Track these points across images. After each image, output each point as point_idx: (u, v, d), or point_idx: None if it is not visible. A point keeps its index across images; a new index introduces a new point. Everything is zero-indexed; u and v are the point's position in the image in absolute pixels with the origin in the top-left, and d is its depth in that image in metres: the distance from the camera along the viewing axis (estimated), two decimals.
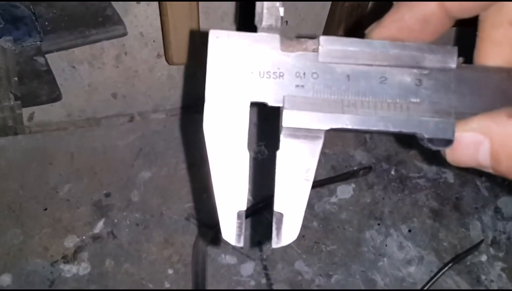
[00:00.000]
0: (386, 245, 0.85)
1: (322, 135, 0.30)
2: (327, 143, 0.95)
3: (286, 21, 0.91)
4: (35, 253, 0.79)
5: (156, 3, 0.78)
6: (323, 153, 0.95)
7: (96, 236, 0.81)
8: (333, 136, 0.97)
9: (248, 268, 0.81)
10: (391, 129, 0.30)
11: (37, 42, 0.73)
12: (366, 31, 0.33)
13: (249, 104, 0.29)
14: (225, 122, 0.29)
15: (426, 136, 0.30)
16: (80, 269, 0.78)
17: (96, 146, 0.91)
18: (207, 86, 0.29)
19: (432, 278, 0.82)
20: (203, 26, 0.81)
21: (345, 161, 0.94)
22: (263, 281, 0.80)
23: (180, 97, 0.99)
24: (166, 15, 0.77)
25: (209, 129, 0.29)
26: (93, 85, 0.90)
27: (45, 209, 0.83)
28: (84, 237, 0.81)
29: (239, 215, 0.30)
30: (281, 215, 0.30)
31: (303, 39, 0.30)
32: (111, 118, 0.96)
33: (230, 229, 0.30)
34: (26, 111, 0.87)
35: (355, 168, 0.93)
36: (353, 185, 0.91)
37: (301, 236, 0.85)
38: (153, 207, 0.85)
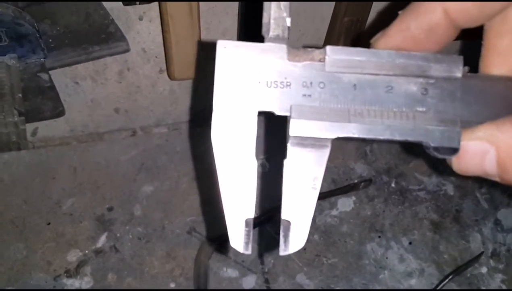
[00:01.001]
0: (387, 258, 0.86)
1: (329, 144, 0.30)
2: (328, 156, 0.96)
3: None
4: (38, 267, 0.80)
5: (159, 20, 0.80)
6: None
7: (99, 250, 0.82)
8: (333, 149, 0.97)
9: (250, 281, 0.81)
10: (397, 138, 0.30)
11: (41, 59, 0.74)
12: (372, 41, 0.33)
13: (256, 113, 0.30)
14: (233, 131, 0.29)
15: (432, 145, 0.30)
16: (82, 283, 0.79)
17: (99, 161, 0.92)
18: (215, 95, 0.29)
19: (433, 290, 0.82)
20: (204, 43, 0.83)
21: (345, 174, 0.95)
22: None
23: (182, 112, 1.00)
24: (168, 32, 0.78)
25: (217, 138, 0.29)
26: (96, 100, 0.91)
27: (48, 224, 0.84)
28: (86, 251, 0.82)
29: (247, 223, 0.30)
30: (288, 222, 0.30)
31: (309, 49, 0.30)
32: (114, 133, 0.97)
33: (238, 236, 0.30)
34: (29, 127, 0.88)
35: (356, 181, 0.93)
36: (353, 198, 0.92)
37: (302, 249, 0.85)
38: (155, 221, 0.86)
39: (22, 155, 0.90)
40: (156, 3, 0.76)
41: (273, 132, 0.89)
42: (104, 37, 0.78)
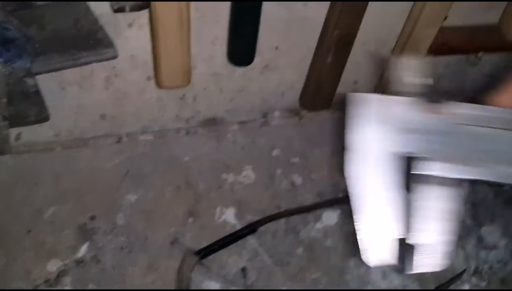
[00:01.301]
0: (370, 274, 0.85)
1: (452, 183, 0.35)
2: (314, 169, 0.96)
3: (277, 46, 0.92)
4: (17, 276, 0.78)
5: (148, 27, 0.79)
6: (309, 179, 0.96)
7: (80, 260, 0.80)
8: (319, 162, 0.97)
9: None
10: (506, 181, 0.35)
11: (27, 64, 0.73)
12: (484, 98, 0.38)
13: (389, 153, 0.35)
14: (369, 168, 0.35)
15: None
16: None
17: (83, 167, 0.90)
18: (352, 139, 0.35)
19: None
20: (194, 51, 0.82)
21: (331, 187, 0.94)
22: None
23: (169, 119, 0.99)
24: (157, 39, 0.77)
25: (355, 175, 0.35)
26: (82, 106, 0.90)
27: (29, 231, 0.82)
28: (67, 261, 0.80)
29: (399, 240, 0.35)
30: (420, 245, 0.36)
31: (436, 103, 0.36)
32: (99, 139, 0.96)
33: (396, 253, 0.35)
34: (13, 131, 0.87)
35: (341, 195, 0.93)
36: (339, 211, 0.92)
37: (285, 263, 0.85)
38: (138, 231, 0.85)
39: (4, 160, 0.88)
40: (146, 10, 0.75)
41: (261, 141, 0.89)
42: (92, 43, 0.77)
